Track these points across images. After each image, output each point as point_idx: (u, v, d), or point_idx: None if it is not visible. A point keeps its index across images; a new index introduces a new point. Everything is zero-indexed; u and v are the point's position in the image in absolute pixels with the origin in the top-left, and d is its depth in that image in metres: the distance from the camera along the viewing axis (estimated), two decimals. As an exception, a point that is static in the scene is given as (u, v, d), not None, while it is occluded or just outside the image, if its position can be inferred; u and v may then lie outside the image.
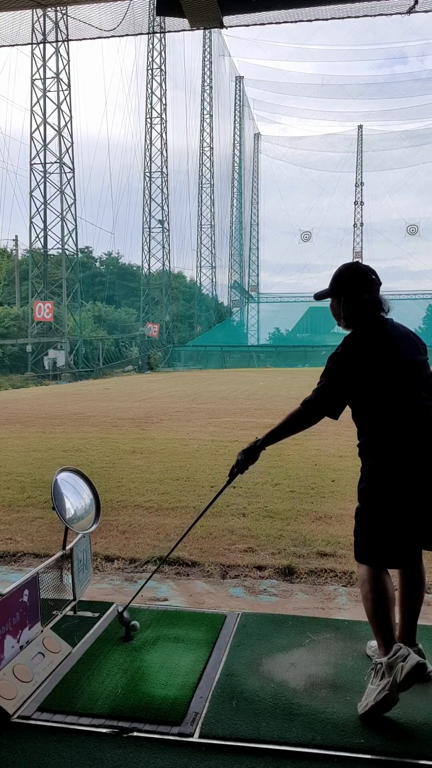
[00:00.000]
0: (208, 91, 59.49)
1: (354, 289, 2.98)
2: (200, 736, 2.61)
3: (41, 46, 39.24)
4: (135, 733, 2.63)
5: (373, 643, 3.28)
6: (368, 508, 2.87)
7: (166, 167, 51.36)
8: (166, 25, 3.81)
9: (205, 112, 59.72)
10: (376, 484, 2.85)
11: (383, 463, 2.84)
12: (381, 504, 2.82)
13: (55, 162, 39.54)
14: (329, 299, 3.10)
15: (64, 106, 39.53)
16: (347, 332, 3.05)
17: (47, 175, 39.78)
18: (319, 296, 3.16)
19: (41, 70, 39.38)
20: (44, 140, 39.54)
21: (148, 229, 52.04)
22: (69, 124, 39.70)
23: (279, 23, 3.68)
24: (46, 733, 2.65)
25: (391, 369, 2.85)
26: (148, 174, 51.14)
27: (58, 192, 39.63)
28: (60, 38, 33.96)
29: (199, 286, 63.09)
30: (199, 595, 4.26)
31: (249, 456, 3.10)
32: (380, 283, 3.06)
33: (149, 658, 3.23)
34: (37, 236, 40.54)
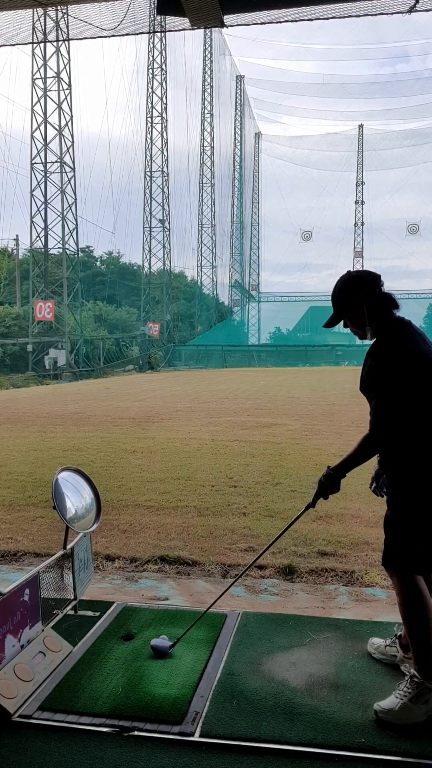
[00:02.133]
0: (208, 90, 59.50)
1: (368, 290, 2.90)
2: (201, 736, 2.61)
3: (42, 45, 39.25)
4: (136, 732, 2.64)
5: (376, 640, 3.28)
6: (401, 515, 2.80)
7: (167, 166, 51.41)
8: (167, 25, 3.82)
9: (206, 111, 59.73)
10: (409, 491, 2.78)
11: (418, 469, 2.75)
12: (415, 510, 2.76)
13: (56, 161, 39.56)
14: (341, 321, 2.98)
15: (64, 106, 39.56)
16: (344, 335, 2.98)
17: (48, 175, 39.80)
18: (331, 323, 3.01)
19: (42, 70, 39.40)
20: (45, 140, 39.56)
21: (148, 229, 52.06)
22: (69, 124, 39.74)
23: (280, 22, 3.68)
24: (46, 732, 2.66)
25: (429, 367, 2.76)
26: (148, 173, 51.15)
27: (59, 191, 39.65)
28: (61, 37, 33.98)
29: (200, 286, 63.10)
30: (199, 594, 4.26)
31: (332, 485, 2.96)
32: None
33: (150, 657, 3.23)
34: (38, 236, 40.61)
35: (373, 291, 2.90)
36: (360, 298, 2.89)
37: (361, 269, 3.06)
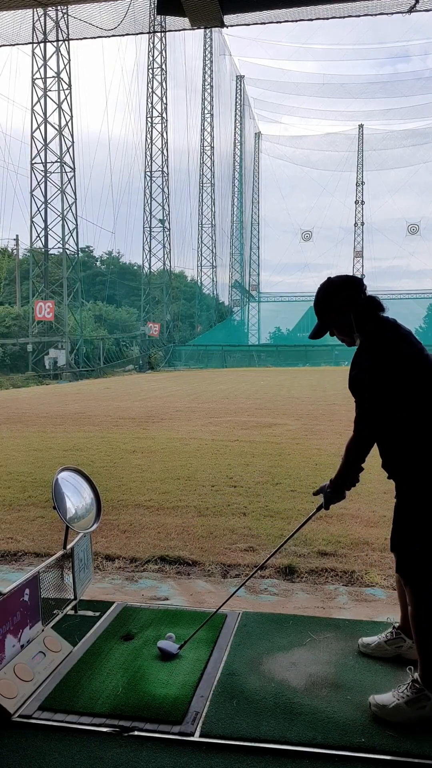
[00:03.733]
0: (208, 90, 59.51)
1: (353, 296, 2.85)
2: (201, 736, 2.61)
3: (42, 45, 39.24)
4: (136, 732, 2.63)
5: (367, 639, 3.28)
6: (408, 519, 2.76)
7: (167, 166, 51.43)
8: (167, 25, 3.82)
9: (206, 111, 59.74)
10: (413, 493, 2.74)
11: (418, 470, 2.70)
12: (418, 514, 2.72)
13: (56, 161, 39.55)
14: (328, 331, 2.92)
15: (64, 106, 39.56)
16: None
17: (48, 175, 39.80)
18: (318, 334, 2.93)
19: (42, 70, 39.40)
20: (45, 139, 39.55)
21: (148, 229, 52.07)
22: (70, 124, 39.74)
23: (280, 22, 3.68)
24: (46, 732, 2.66)
25: (423, 366, 2.73)
26: (148, 173, 51.17)
27: (59, 191, 39.64)
28: (61, 37, 33.98)
29: (200, 286, 63.12)
30: (199, 594, 4.27)
31: (335, 496, 2.97)
32: None
33: (150, 657, 3.23)
34: (38, 236, 40.61)
35: (358, 295, 2.85)
36: (345, 304, 2.83)
37: (341, 274, 2.98)
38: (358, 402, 2.78)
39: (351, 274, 3.00)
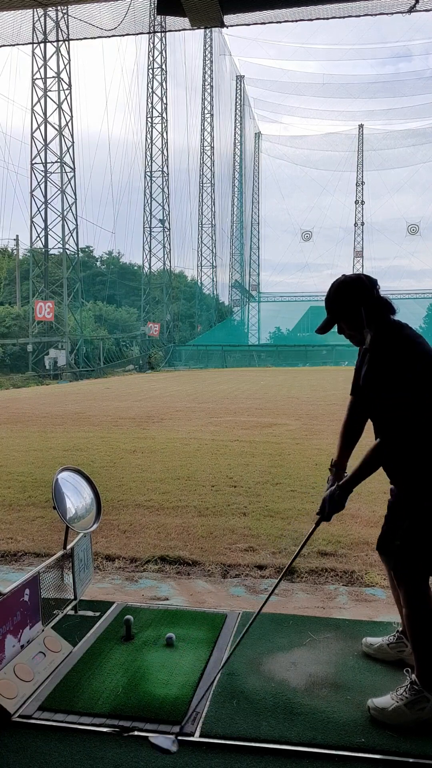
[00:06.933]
0: (209, 90, 59.55)
1: (365, 293, 2.84)
2: (201, 736, 2.61)
3: (42, 45, 39.26)
4: (136, 732, 2.63)
5: (372, 640, 3.28)
6: (421, 524, 2.72)
7: (167, 166, 51.46)
8: (167, 25, 3.81)
9: (206, 111, 59.77)
10: (419, 497, 2.72)
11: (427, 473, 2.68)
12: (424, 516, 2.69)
13: (56, 161, 39.57)
14: (335, 325, 2.91)
15: (64, 106, 39.58)
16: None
17: (48, 175, 39.82)
18: (326, 328, 2.92)
19: (42, 70, 39.43)
20: (45, 140, 39.57)
21: (148, 229, 52.09)
22: (70, 124, 39.77)
23: (280, 22, 3.68)
24: (46, 732, 2.65)
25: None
26: (148, 173, 51.18)
27: (59, 191, 39.66)
28: (61, 38, 33.97)
29: (200, 286, 63.13)
30: (199, 594, 4.26)
31: (338, 503, 2.95)
32: None
33: (150, 657, 3.23)
34: (38, 236, 40.64)
35: (371, 294, 2.84)
36: (357, 301, 2.82)
37: (357, 272, 2.99)
38: (376, 402, 2.74)
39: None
